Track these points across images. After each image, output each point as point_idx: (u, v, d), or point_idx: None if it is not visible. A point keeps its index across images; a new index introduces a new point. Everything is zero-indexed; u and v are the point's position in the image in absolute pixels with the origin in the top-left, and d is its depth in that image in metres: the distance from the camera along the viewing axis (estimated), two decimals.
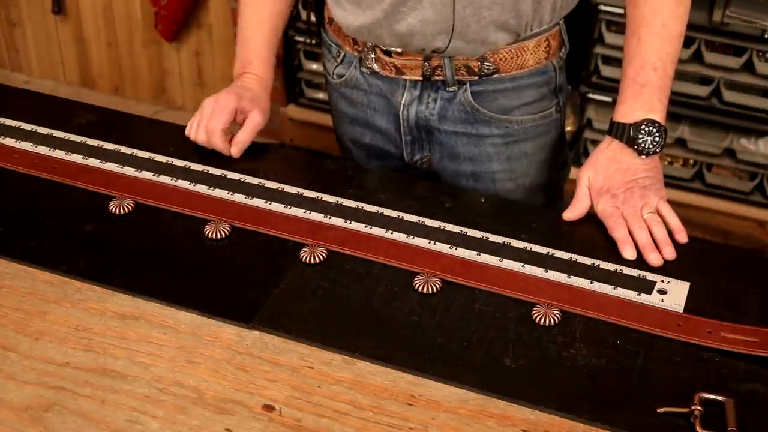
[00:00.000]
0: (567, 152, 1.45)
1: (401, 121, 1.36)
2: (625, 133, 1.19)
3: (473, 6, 1.22)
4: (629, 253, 1.13)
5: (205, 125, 1.30)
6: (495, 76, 1.30)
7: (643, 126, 1.19)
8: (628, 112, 1.20)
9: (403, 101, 1.34)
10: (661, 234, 1.15)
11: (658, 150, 1.19)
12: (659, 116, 1.20)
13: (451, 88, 1.31)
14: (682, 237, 1.17)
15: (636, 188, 1.18)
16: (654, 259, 1.13)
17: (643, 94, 1.19)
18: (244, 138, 1.31)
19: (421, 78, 1.30)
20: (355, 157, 1.46)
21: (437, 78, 1.30)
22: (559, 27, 1.32)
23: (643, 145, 1.19)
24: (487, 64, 1.28)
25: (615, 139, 1.21)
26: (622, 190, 1.18)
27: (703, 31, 2.40)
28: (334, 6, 1.33)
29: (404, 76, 1.31)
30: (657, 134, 1.19)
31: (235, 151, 1.31)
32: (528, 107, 1.33)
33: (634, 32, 1.21)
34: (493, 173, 1.37)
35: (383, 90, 1.35)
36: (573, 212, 1.20)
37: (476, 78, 1.29)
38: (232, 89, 1.34)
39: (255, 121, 1.32)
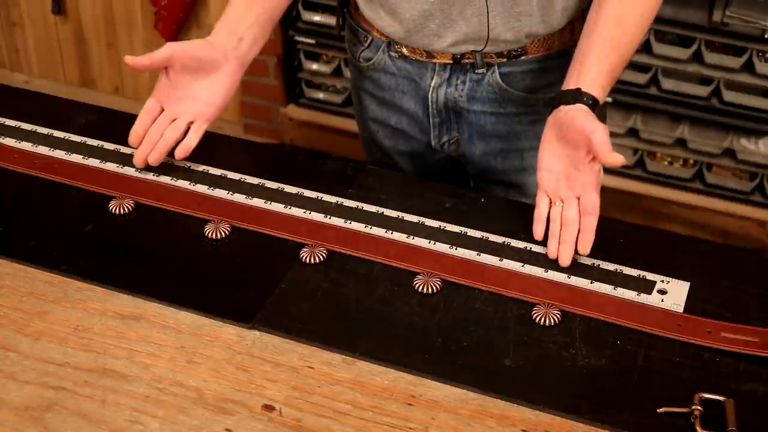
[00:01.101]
0: None
1: (430, 104, 1.37)
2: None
3: (503, 16, 1.25)
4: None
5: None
6: (522, 58, 1.31)
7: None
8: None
9: (432, 84, 1.35)
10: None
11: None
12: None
13: (479, 71, 1.32)
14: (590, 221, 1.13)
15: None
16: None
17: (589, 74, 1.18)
18: (190, 143, 1.26)
19: (450, 62, 1.32)
20: (380, 138, 1.47)
21: (466, 61, 1.32)
22: (584, 11, 1.34)
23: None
24: (516, 47, 1.31)
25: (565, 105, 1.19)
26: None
27: (703, 31, 2.40)
28: (368, 8, 1.34)
29: (434, 60, 1.33)
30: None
31: (179, 156, 1.25)
32: (554, 87, 1.34)
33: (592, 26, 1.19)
34: (522, 151, 1.39)
35: (412, 73, 1.36)
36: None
37: (504, 60, 1.31)
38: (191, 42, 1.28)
39: (203, 124, 1.27)
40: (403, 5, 1.28)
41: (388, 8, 1.30)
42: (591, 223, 1.12)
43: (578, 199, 1.13)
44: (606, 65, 1.16)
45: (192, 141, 1.26)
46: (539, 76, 1.34)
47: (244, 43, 1.29)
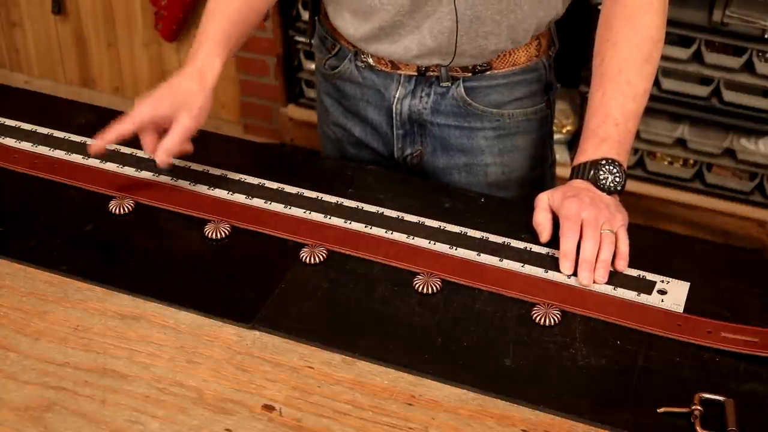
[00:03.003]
0: (554, 151, 1.47)
1: (394, 115, 1.37)
2: (586, 171, 1.17)
3: (470, 35, 1.26)
4: (567, 268, 1.10)
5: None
6: (488, 73, 1.31)
7: (603, 162, 1.16)
8: (587, 159, 1.18)
9: (396, 95, 1.35)
10: (606, 255, 1.10)
11: (619, 189, 1.16)
12: (619, 159, 1.18)
13: (444, 84, 1.32)
14: (622, 265, 1.11)
15: (603, 205, 1.14)
16: (585, 277, 1.09)
17: (603, 146, 1.17)
18: (167, 145, 1.18)
19: (415, 73, 1.32)
20: (345, 145, 1.46)
21: (432, 74, 1.32)
22: (549, 27, 1.34)
23: (604, 182, 1.16)
24: (481, 62, 1.30)
25: (576, 179, 1.18)
26: (588, 200, 1.14)
27: (703, 31, 2.40)
28: (335, 15, 1.35)
29: (399, 71, 1.33)
30: (617, 173, 1.16)
31: (160, 160, 1.18)
32: (519, 102, 1.35)
33: (599, 85, 1.20)
34: (486, 166, 1.38)
35: (377, 83, 1.36)
36: (544, 237, 1.16)
37: (469, 75, 1.31)
38: (154, 96, 1.21)
39: (181, 125, 1.18)
40: (372, 13, 1.27)
41: (358, 13, 1.29)
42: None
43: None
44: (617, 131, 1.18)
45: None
46: (505, 92, 1.34)
47: (225, 55, 1.25)
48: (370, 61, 1.34)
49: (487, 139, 1.36)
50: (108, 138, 1.20)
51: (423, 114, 1.35)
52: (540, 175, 1.43)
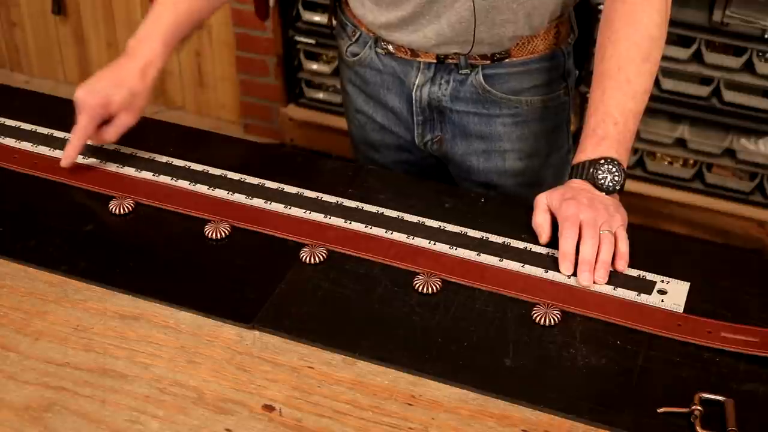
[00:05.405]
0: (571, 137, 1.48)
1: (414, 102, 1.38)
2: (585, 170, 1.17)
3: (487, 24, 1.26)
4: (566, 269, 1.10)
5: (70, 139, 1.25)
6: (506, 60, 1.32)
7: (602, 161, 1.16)
8: (586, 158, 1.18)
9: (416, 82, 1.36)
10: (606, 256, 1.10)
11: (618, 188, 1.16)
12: (618, 158, 1.18)
13: (463, 71, 1.33)
14: (622, 265, 1.11)
15: (601, 206, 1.14)
16: (585, 278, 1.08)
17: (602, 145, 1.17)
18: (110, 138, 1.27)
19: (434, 61, 1.33)
20: (369, 131, 1.47)
21: (450, 61, 1.33)
22: (569, 14, 1.35)
23: (603, 181, 1.16)
24: (499, 50, 1.32)
25: (575, 179, 1.18)
26: (586, 201, 1.13)
27: (703, 31, 2.40)
28: (356, 4, 1.36)
29: (418, 59, 1.34)
30: (616, 172, 1.16)
31: (96, 139, 1.27)
32: (537, 89, 1.36)
33: (599, 83, 1.20)
34: (504, 152, 1.40)
35: (397, 70, 1.37)
36: (543, 239, 1.16)
37: (488, 62, 1.32)
38: (106, 89, 1.25)
39: (122, 123, 1.26)
40: (395, 3, 1.29)
41: (381, 3, 1.31)
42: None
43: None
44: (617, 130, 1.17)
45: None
46: (523, 79, 1.34)
47: (168, 52, 1.31)
48: (390, 48, 1.35)
49: (506, 126, 1.38)
50: (76, 148, 1.25)
51: (442, 101, 1.36)
52: (557, 163, 1.44)
